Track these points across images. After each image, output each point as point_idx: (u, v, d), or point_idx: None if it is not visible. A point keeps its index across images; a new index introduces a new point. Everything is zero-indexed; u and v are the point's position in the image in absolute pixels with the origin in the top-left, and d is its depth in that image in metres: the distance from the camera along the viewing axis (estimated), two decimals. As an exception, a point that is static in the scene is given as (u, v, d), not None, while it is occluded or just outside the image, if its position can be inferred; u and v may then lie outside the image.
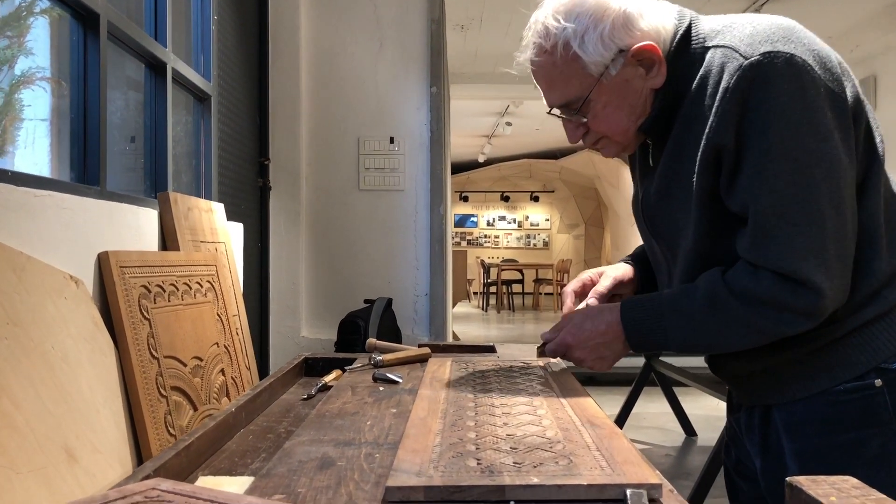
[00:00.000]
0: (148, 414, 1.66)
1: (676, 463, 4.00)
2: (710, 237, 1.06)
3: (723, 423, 3.39)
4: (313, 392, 1.32)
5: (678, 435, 4.42)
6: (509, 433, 0.87)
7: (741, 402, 1.18)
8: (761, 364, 1.09)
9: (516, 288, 13.26)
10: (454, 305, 8.01)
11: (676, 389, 4.45)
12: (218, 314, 2.23)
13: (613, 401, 4.49)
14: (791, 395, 1.06)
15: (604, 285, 1.30)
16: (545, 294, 13.44)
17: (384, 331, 3.49)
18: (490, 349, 1.63)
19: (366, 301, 3.74)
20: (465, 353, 1.57)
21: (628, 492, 0.68)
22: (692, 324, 1.07)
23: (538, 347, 1.32)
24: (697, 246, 1.07)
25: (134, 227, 1.99)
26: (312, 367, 1.56)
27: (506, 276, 12.97)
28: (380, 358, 1.41)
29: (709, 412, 4.69)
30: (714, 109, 1.00)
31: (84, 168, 1.93)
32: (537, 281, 13.07)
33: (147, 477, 0.78)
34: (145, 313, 1.77)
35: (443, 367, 1.30)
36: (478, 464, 0.75)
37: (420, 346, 1.58)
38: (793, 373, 1.06)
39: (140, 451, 1.62)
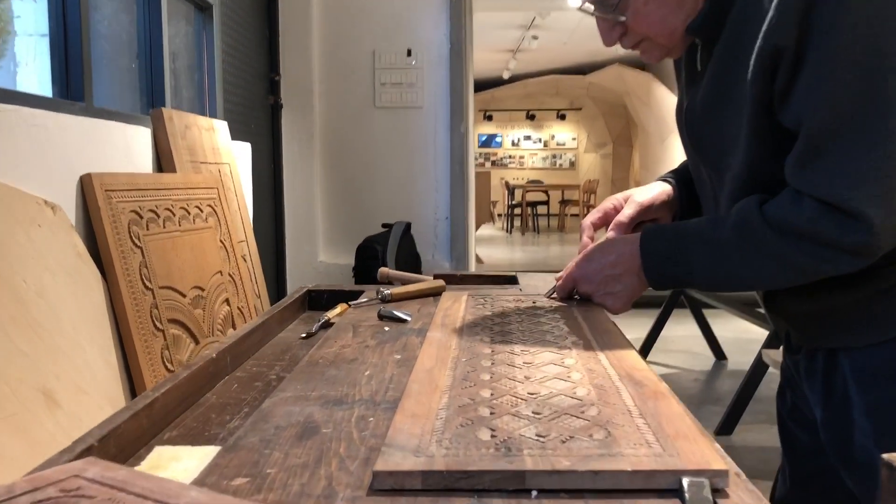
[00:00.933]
0: (142, 349, 1.54)
1: (705, 387, 3.89)
2: (763, 158, 0.88)
3: (755, 347, 3.27)
4: (314, 330, 1.19)
5: (707, 359, 4.31)
6: (531, 391, 0.72)
7: (800, 343, 1.02)
8: (826, 303, 0.92)
9: (541, 209, 13.09)
10: (477, 228, 7.89)
11: (706, 312, 4.31)
12: (221, 240, 2.09)
13: (641, 324, 4.36)
14: (863, 340, 0.90)
15: (625, 214, 1.13)
16: (571, 216, 13.26)
17: (403, 256, 3.35)
18: (512, 280, 1.47)
19: (384, 225, 3.59)
20: (484, 285, 1.42)
21: (685, 481, 0.53)
22: (719, 255, 0.92)
23: (547, 292, 1.19)
24: (749, 168, 0.89)
25: (123, 148, 1.82)
26: (316, 301, 1.43)
27: (531, 197, 12.76)
28: (388, 292, 1.27)
29: (739, 335, 4.56)
30: (775, 2, 0.81)
31: (67, 83, 1.75)
32: (563, 202, 12.85)
33: (89, 450, 0.64)
34: (136, 241, 1.63)
35: (457, 304, 1.16)
36: (492, 436, 0.61)
37: (435, 276, 1.43)
38: (866, 314, 0.89)
39: (134, 390, 1.51)
